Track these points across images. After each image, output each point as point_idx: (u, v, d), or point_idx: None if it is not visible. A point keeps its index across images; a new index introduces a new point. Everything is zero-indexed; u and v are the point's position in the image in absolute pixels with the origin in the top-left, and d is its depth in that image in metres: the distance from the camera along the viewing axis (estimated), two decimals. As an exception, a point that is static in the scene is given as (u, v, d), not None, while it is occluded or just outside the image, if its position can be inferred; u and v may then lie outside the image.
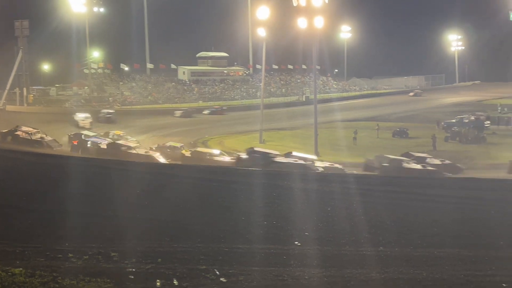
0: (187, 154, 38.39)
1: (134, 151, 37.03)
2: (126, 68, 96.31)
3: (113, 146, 38.28)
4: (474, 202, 18.42)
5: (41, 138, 40.82)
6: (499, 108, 75.74)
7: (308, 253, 11.26)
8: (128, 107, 76.47)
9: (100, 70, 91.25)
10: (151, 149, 40.12)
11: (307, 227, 13.40)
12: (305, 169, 32.42)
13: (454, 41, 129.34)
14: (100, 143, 39.55)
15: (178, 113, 70.64)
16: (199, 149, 40.85)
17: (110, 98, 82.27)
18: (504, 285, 9.56)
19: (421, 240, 12.88)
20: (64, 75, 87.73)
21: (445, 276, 10.21)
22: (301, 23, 50.41)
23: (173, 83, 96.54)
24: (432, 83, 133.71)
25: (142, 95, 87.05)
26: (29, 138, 40.39)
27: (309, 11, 49.37)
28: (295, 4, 49.71)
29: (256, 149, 37.84)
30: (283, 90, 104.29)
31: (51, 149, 38.69)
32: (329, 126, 58.97)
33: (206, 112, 74.18)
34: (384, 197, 19.12)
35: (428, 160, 36.30)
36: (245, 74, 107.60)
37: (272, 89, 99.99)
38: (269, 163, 33.27)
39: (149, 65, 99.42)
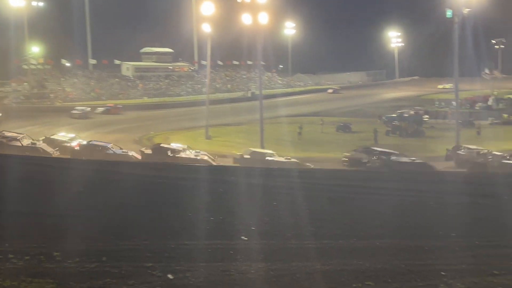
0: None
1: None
2: (68, 64, 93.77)
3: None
4: (414, 194, 19.02)
5: (33, 143, 36.44)
6: (437, 103, 78.36)
7: (254, 248, 11.34)
8: (70, 103, 74.51)
9: (40, 66, 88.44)
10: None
11: (254, 222, 13.50)
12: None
13: (394, 38, 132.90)
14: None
15: (75, 113, 63.19)
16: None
17: (51, 95, 79.93)
18: (443, 273, 9.90)
19: (364, 232, 13.21)
20: (2, 71, 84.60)
21: (387, 266, 10.50)
22: (246, 19, 50.49)
23: (116, 79, 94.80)
24: (374, 78, 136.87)
25: (84, 91, 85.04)
26: (19, 144, 35.51)
27: (253, 7, 49.49)
28: (239, 0, 49.74)
29: (162, 145, 37.78)
30: (229, 86, 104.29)
31: (49, 155, 34.92)
32: (274, 121, 59.36)
33: (99, 110, 67.58)
34: (329, 190, 19.47)
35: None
36: (190, 70, 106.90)
37: (217, 85, 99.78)
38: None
39: (92, 61, 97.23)
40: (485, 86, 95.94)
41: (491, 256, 11.35)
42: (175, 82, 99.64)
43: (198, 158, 35.25)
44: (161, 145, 37.80)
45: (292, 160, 35.98)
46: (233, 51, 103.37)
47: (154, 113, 71.05)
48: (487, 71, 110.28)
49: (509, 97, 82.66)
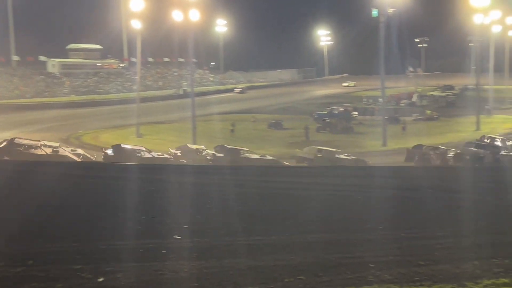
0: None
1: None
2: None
3: None
4: (344, 189, 19.52)
5: (55, 150, 31.91)
6: (365, 100, 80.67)
7: (187, 246, 11.28)
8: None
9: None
10: None
11: (187, 220, 13.41)
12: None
13: (323, 36, 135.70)
14: None
15: None
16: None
17: (-29, 93, 76.34)
18: (371, 265, 10.20)
19: (296, 228, 13.41)
20: None
21: (318, 260, 10.72)
22: (176, 15, 50.04)
23: (42, 76, 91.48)
24: (304, 76, 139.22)
25: (7, 89, 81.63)
26: (43, 152, 31.16)
27: (184, 4, 49.16)
28: (169, -4, 49.26)
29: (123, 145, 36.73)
30: (160, 83, 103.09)
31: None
32: (206, 119, 59.23)
33: None
34: (261, 187, 19.64)
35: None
36: (119, 67, 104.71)
37: (148, 83, 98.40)
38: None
39: (15, 57, 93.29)
40: (409, 84, 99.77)
41: (416, 248, 11.80)
42: (104, 80, 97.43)
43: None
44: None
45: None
46: (164, 48, 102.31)
47: (82, 111, 69.18)
48: (411, 69, 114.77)
49: (431, 94, 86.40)
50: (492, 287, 8.75)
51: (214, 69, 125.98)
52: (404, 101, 78.75)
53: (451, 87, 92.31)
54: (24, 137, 34.74)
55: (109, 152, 33.76)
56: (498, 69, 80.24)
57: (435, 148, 36.59)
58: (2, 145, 31.89)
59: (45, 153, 31.18)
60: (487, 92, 70.34)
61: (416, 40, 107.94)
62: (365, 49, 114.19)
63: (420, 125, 59.10)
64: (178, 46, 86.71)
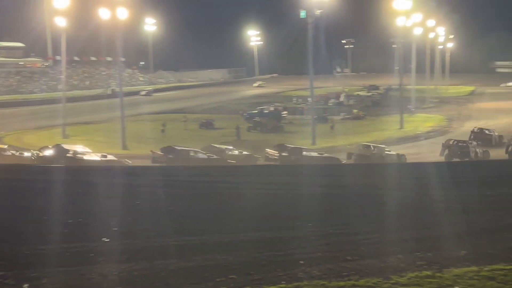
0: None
1: None
2: None
3: None
4: (275, 187, 19.74)
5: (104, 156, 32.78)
6: (295, 99, 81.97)
7: (117, 249, 11.06)
8: None
9: None
10: None
11: (116, 222, 13.16)
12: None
13: (253, 37, 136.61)
14: None
15: None
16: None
17: None
18: (301, 262, 10.37)
19: (228, 227, 13.45)
20: None
21: (250, 258, 10.78)
22: (104, 13, 48.90)
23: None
24: (235, 76, 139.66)
25: None
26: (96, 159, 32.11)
27: (111, 2, 48.08)
28: (96, -7, 48.08)
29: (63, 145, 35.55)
30: (87, 83, 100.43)
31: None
32: (136, 119, 58.27)
33: None
34: (192, 187, 19.54)
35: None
36: (44, 66, 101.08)
37: (74, 82, 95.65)
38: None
39: None
40: (337, 84, 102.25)
41: (343, 243, 12.10)
42: (27, 79, 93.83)
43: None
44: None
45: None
46: (91, 46, 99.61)
47: (3, 112, 66.23)
48: (338, 69, 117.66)
49: (358, 94, 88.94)
50: (415, 280, 9.09)
51: (143, 68, 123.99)
52: (332, 100, 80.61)
53: (376, 87, 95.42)
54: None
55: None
56: (420, 70, 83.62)
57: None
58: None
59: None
60: (410, 92, 73.14)
61: (343, 41, 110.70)
62: (294, 49, 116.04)
63: (347, 124, 60.70)
64: (106, 45, 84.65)
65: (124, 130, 45.30)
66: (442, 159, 36.81)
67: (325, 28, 75.61)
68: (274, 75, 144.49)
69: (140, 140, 46.21)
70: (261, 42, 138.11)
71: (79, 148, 34.26)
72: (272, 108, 66.17)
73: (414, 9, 67.32)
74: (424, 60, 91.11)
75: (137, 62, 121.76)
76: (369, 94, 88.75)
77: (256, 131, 54.55)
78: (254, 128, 55.55)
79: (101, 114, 63.04)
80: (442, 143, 39.14)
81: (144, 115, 60.71)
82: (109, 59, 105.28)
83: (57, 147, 33.72)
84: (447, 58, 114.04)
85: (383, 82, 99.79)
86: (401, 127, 56.95)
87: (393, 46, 77.85)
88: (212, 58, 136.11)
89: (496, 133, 45.66)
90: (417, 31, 77.45)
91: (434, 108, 77.30)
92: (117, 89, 62.95)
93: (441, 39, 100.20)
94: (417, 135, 53.08)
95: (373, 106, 79.07)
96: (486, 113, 68.08)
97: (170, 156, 33.97)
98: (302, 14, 48.88)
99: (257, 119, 58.09)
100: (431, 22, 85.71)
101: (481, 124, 58.21)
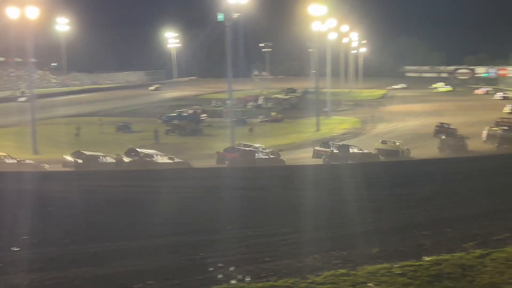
0: None
1: None
2: None
3: None
4: (192, 191, 19.64)
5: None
6: (213, 102, 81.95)
7: (28, 258, 10.59)
8: None
9: None
10: None
11: (26, 231, 12.58)
12: None
13: (171, 38, 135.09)
14: None
15: None
16: None
17: None
18: (220, 264, 10.39)
19: (145, 232, 13.22)
20: None
21: (168, 263, 10.68)
22: (12, 12, 46.74)
23: None
24: (153, 78, 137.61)
25: None
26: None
27: (20, 1, 46.05)
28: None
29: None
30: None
31: None
32: (49, 122, 56.08)
33: None
34: (110, 192, 19.06)
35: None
36: None
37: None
38: None
39: None
40: (255, 87, 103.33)
41: (262, 245, 12.22)
42: None
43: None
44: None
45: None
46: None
47: None
48: (256, 72, 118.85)
49: (276, 97, 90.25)
50: (331, 278, 9.32)
51: (56, 70, 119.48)
52: (251, 103, 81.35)
53: (293, 90, 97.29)
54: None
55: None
56: (335, 74, 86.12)
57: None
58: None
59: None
60: (326, 95, 75.14)
61: (260, 45, 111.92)
62: (213, 52, 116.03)
63: (266, 127, 61.46)
64: (15, 45, 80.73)
65: (35, 134, 43.46)
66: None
67: (243, 31, 76.27)
68: (193, 77, 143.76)
69: (53, 145, 44.53)
70: (180, 44, 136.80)
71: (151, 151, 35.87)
72: (191, 111, 65.77)
73: (329, 14, 69.32)
74: (339, 64, 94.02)
75: (49, 63, 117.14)
76: (287, 97, 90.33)
77: (175, 134, 54.02)
78: (173, 131, 54.99)
79: (11, 118, 60.09)
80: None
81: (58, 118, 58.48)
82: (18, 59, 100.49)
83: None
84: (360, 63, 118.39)
85: (300, 85, 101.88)
86: (318, 129, 58.37)
87: (309, 50, 79.59)
88: (129, 60, 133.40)
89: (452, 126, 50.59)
90: (332, 36, 79.82)
91: (349, 111, 79.87)
92: (28, 91, 60.22)
93: (354, 44, 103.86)
94: (332, 137, 54.60)
95: (290, 108, 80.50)
96: (397, 115, 71.20)
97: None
98: (220, 17, 48.93)
99: (175, 122, 57.52)
100: (345, 28, 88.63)
101: (392, 125, 60.96)
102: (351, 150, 38.23)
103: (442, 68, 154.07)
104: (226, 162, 35.53)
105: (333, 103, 77.89)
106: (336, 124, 63.79)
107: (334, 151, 37.41)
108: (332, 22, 75.40)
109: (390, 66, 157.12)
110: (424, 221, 14.70)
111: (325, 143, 39.89)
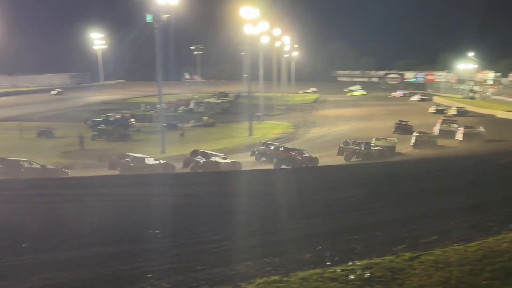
0: None
1: None
2: None
3: None
4: (121, 199, 18.98)
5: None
6: (143, 106, 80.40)
7: None
8: None
9: None
10: None
11: None
12: None
13: (97, 40, 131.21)
14: None
15: None
16: None
17: None
18: (149, 275, 10.03)
19: (69, 243, 12.60)
20: None
21: (94, 275, 10.23)
22: None
23: None
24: (78, 81, 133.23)
25: None
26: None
27: None
28: None
29: None
30: None
31: None
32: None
33: None
34: (28, 201, 18.06)
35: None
36: None
37: None
38: None
39: None
40: (186, 90, 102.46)
41: (194, 253, 11.93)
42: None
43: None
44: None
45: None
46: None
47: None
48: (187, 76, 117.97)
49: (208, 101, 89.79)
50: (264, 285, 9.19)
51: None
52: (182, 107, 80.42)
53: (225, 94, 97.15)
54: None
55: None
56: (268, 78, 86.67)
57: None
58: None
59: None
60: (258, 99, 75.49)
61: (191, 47, 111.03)
62: (141, 54, 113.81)
63: (198, 132, 60.87)
64: None
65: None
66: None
67: (173, 33, 75.37)
68: (121, 80, 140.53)
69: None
70: (106, 46, 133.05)
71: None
72: (118, 116, 63.96)
73: (261, 17, 69.71)
74: (272, 68, 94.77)
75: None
76: (219, 101, 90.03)
77: (102, 140, 52.40)
78: (100, 136, 53.24)
79: None
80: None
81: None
82: None
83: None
84: (293, 67, 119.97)
85: (233, 89, 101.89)
86: (251, 134, 58.40)
87: (241, 53, 79.67)
88: (52, 61, 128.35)
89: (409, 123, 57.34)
90: (264, 40, 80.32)
91: (282, 115, 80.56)
92: None
93: (287, 48, 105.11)
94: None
95: (223, 113, 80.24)
96: (329, 120, 72.53)
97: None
98: (149, 18, 47.86)
99: (102, 127, 55.75)
100: (277, 31, 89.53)
101: (325, 130, 62.02)
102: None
103: (373, 72, 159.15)
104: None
105: (266, 108, 78.34)
106: (269, 129, 64.10)
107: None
108: (265, 25, 75.83)
109: (322, 70, 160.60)
110: (355, 225, 14.87)
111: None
